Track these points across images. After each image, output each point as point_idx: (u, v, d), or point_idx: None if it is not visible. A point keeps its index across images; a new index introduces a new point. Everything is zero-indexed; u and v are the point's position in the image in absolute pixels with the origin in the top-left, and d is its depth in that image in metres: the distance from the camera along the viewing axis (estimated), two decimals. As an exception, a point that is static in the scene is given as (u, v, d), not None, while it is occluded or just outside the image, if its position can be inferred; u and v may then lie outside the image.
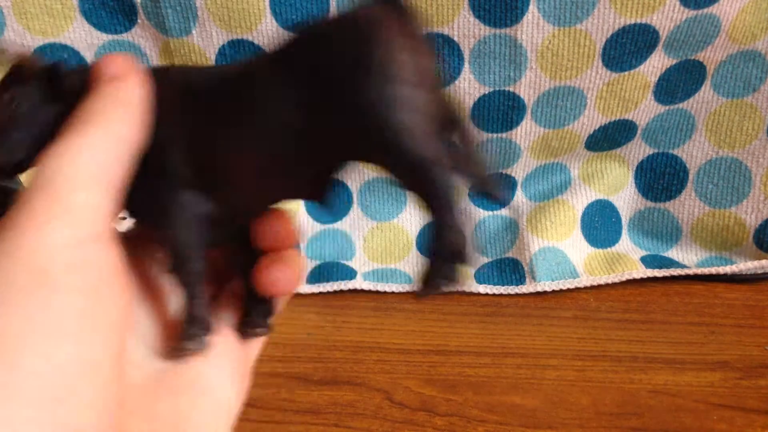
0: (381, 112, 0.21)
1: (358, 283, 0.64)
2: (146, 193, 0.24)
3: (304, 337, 0.56)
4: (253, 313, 0.29)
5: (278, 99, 0.23)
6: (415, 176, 0.22)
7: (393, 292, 0.63)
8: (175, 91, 0.25)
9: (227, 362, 0.28)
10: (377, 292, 0.63)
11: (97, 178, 0.21)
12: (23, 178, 0.25)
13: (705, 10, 0.56)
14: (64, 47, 0.59)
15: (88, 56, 0.60)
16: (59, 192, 0.20)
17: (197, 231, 0.25)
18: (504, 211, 0.68)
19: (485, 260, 0.67)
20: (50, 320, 0.18)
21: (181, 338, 0.26)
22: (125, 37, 0.59)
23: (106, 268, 0.21)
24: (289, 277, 0.27)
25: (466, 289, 0.62)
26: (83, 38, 0.59)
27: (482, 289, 0.63)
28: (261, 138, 0.23)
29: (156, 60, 0.60)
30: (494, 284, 0.63)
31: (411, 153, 0.21)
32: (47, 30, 0.58)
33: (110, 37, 0.59)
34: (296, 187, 0.26)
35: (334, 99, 0.22)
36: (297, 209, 0.68)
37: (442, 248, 0.22)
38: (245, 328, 0.29)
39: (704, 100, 0.64)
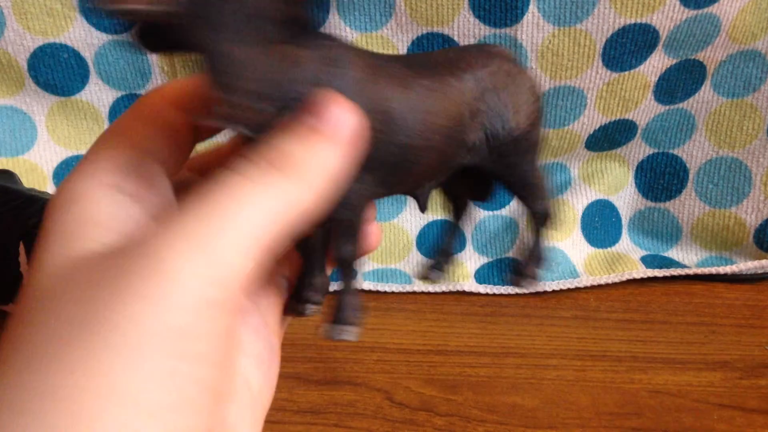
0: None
1: (358, 283, 0.64)
2: None
3: (304, 337, 0.56)
4: (309, 291, 0.30)
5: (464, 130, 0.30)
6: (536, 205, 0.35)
7: (393, 292, 0.63)
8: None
9: (262, 353, 0.27)
10: (377, 292, 0.63)
11: (258, 242, 0.18)
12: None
13: (705, 10, 0.56)
14: (64, 47, 0.59)
15: (88, 56, 0.60)
16: (208, 245, 0.17)
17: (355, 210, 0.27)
18: (504, 211, 0.68)
19: (485, 260, 0.67)
20: (171, 387, 0.16)
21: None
22: (125, 36, 0.59)
23: (230, 337, 0.19)
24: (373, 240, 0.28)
25: (467, 288, 0.62)
26: (83, 38, 0.59)
27: (482, 289, 0.63)
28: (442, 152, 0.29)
29: (156, 60, 0.60)
30: (494, 284, 0.63)
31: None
32: (47, 30, 0.58)
33: (110, 37, 0.59)
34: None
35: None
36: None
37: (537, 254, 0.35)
38: (300, 305, 0.29)
39: (704, 99, 0.64)
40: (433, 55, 0.33)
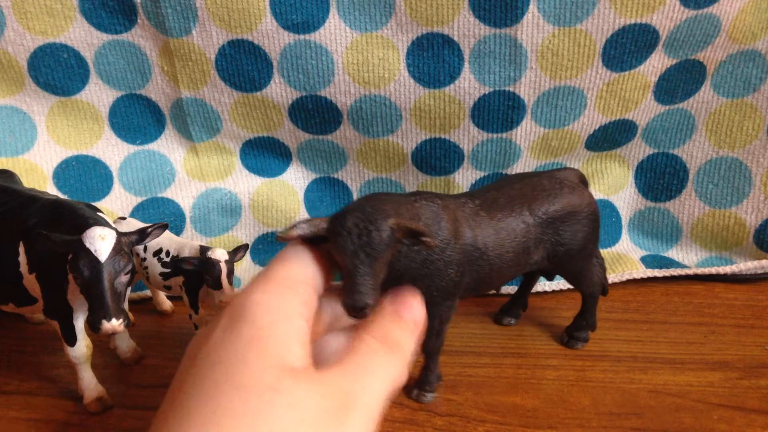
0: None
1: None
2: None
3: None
4: None
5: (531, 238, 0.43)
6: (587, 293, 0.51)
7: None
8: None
9: None
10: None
11: (383, 398, 0.27)
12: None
13: (705, 10, 0.56)
14: (64, 47, 0.59)
15: (88, 56, 0.60)
16: (358, 397, 0.26)
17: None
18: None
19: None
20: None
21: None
22: (125, 37, 0.59)
23: None
24: None
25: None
26: (83, 38, 0.59)
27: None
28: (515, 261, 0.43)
29: (156, 60, 0.60)
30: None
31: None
32: (47, 30, 0.58)
33: (110, 37, 0.59)
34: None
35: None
36: (298, 209, 0.68)
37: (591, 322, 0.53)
38: None
39: (704, 100, 0.64)
40: (510, 189, 0.44)
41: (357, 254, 0.31)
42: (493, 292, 0.57)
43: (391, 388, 0.28)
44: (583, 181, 0.49)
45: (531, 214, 0.43)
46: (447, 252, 0.37)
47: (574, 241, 0.44)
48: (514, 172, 0.67)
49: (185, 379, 0.26)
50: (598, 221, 0.46)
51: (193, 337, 0.29)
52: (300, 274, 0.30)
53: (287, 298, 0.28)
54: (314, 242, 0.31)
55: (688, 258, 0.68)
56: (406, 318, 0.31)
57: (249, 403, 0.23)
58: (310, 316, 0.29)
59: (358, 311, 0.30)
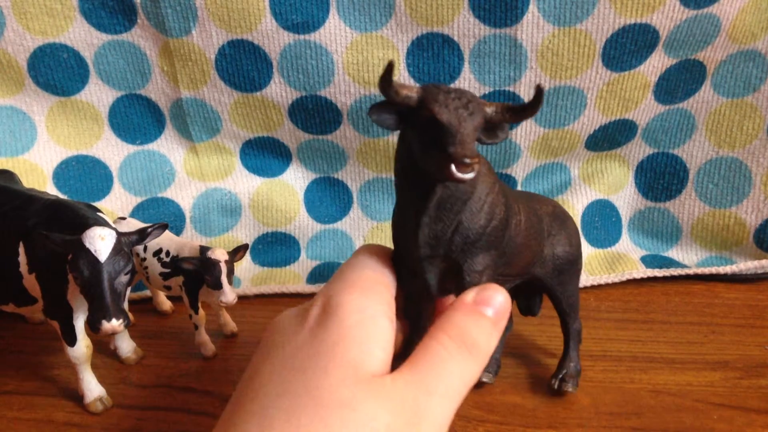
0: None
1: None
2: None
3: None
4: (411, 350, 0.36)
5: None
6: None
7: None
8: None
9: None
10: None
11: (457, 400, 0.27)
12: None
13: (705, 10, 0.56)
14: (64, 47, 0.59)
15: (88, 56, 0.60)
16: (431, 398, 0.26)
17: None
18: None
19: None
20: None
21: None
22: (125, 37, 0.59)
23: None
24: None
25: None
26: (83, 38, 0.59)
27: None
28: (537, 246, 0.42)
29: (156, 60, 0.60)
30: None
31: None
32: (47, 30, 0.58)
33: (110, 37, 0.59)
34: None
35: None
36: (298, 209, 0.68)
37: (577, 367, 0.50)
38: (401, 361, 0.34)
39: (704, 99, 0.64)
40: (524, 194, 0.45)
41: (460, 111, 0.29)
42: None
43: (464, 393, 0.27)
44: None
45: (537, 205, 0.43)
46: (495, 189, 0.34)
47: (570, 246, 0.45)
48: (514, 172, 0.67)
49: (262, 371, 0.27)
50: (580, 244, 0.47)
51: (275, 324, 0.30)
52: (378, 277, 0.31)
53: (371, 298, 0.29)
54: (395, 112, 0.30)
55: (688, 258, 0.68)
56: (487, 314, 0.29)
57: (326, 422, 0.24)
58: (392, 316, 0.29)
59: (467, 165, 0.27)
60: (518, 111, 0.30)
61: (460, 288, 0.34)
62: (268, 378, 0.27)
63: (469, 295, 0.30)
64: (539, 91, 0.29)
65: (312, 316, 0.29)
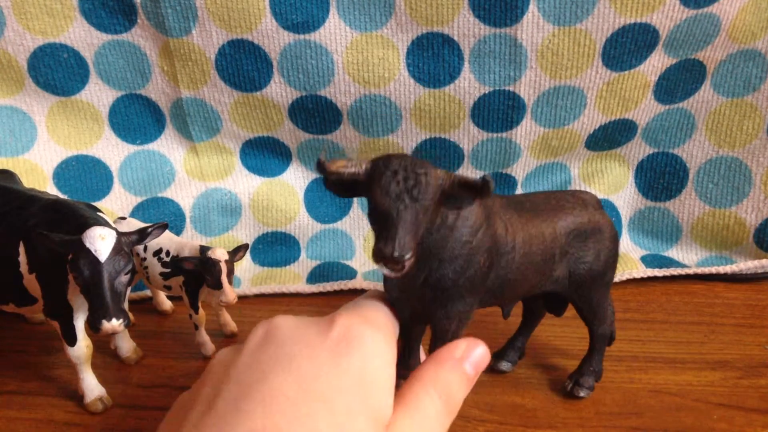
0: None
1: (359, 282, 0.64)
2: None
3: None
4: (403, 369, 0.36)
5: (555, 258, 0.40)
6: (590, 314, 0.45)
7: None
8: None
9: None
10: (377, 291, 0.63)
11: None
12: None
13: (705, 10, 0.56)
14: (64, 47, 0.59)
15: (88, 56, 0.60)
16: None
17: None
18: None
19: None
20: None
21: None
22: (125, 37, 0.59)
23: None
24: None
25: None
26: (83, 38, 0.59)
27: (482, 288, 0.63)
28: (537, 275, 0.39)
29: (156, 60, 0.60)
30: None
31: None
32: (47, 30, 0.58)
33: (110, 37, 0.59)
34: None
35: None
36: (298, 209, 0.68)
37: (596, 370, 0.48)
38: (397, 379, 0.33)
39: (704, 99, 0.64)
40: (537, 199, 0.41)
41: (401, 197, 0.27)
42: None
43: None
44: (600, 206, 0.46)
45: (558, 221, 0.40)
46: (478, 236, 0.33)
47: (597, 261, 0.42)
48: (514, 172, 0.67)
49: (276, 383, 0.25)
50: (618, 247, 0.44)
51: (279, 328, 0.28)
52: (388, 322, 0.31)
53: (389, 343, 0.29)
54: (348, 187, 0.29)
55: (688, 257, 0.68)
56: (468, 371, 0.31)
57: None
58: (395, 363, 0.30)
59: (396, 262, 0.27)
60: (468, 188, 0.28)
61: (434, 330, 0.36)
62: (286, 388, 0.25)
63: (459, 350, 0.31)
64: (486, 180, 0.27)
65: (332, 338, 0.28)
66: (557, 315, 0.49)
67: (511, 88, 0.60)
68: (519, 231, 0.37)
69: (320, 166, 0.29)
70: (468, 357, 0.31)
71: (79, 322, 0.46)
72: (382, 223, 0.27)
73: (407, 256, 0.27)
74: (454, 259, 0.32)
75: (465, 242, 0.32)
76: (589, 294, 0.44)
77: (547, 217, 0.40)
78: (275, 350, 0.27)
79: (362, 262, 0.68)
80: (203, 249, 0.50)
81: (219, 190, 0.67)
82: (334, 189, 0.30)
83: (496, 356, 0.51)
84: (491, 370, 0.50)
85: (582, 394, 0.47)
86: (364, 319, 0.29)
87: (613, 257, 0.44)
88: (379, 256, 0.27)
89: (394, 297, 0.34)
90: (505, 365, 0.50)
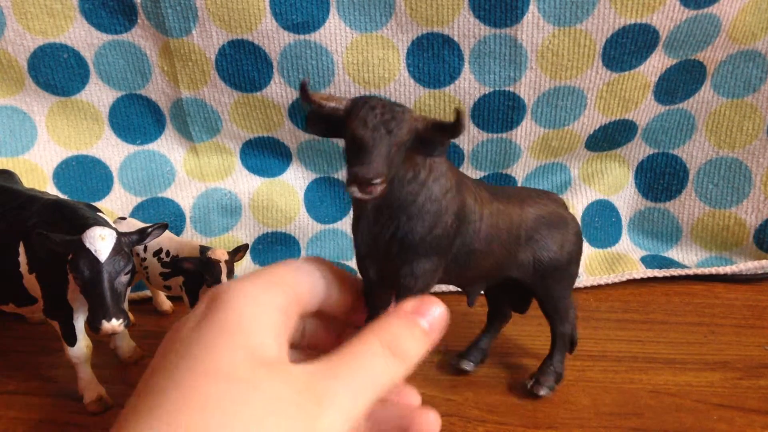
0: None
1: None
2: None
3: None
4: None
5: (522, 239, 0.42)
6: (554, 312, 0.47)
7: (393, 292, 0.63)
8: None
9: None
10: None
11: (371, 398, 0.26)
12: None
13: (705, 10, 0.56)
14: (64, 47, 0.59)
15: (88, 56, 0.60)
16: (349, 392, 0.25)
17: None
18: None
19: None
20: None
21: None
22: (125, 37, 0.59)
23: None
24: None
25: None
26: (83, 38, 0.59)
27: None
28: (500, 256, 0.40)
29: (156, 60, 0.60)
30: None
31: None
32: (47, 30, 0.58)
33: (110, 37, 0.59)
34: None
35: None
36: (298, 209, 0.68)
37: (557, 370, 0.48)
38: None
39: (704, 100, 0.64)
40: (508, 190, 0.43)
41: (378, 128, 0.28)
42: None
43: (379, 392, 0.26)
44: (566, 208, 0.47)
45: (526, 206, 0.42)
46: (447, 197, 0.33)
47: (561, 251, 0.43)
48: (514, 172, 0.67)
49: (157, 368, 0.25)
50: (581, 244, 0.46)
51: (171, 326, 0.28)
52: (294, 280, 0.29)
53: (269, 291, 0.27)
54: (328, 124, 0.30)
55: (688, 258, 0.68)
56: (422, 325, 0.29)
57: (219, 394, 0.23)
58: (292, 316, 0.28)
59: (366, 182, 0.27)
60: (442, 129, 0.29)
61: (398, 290, 0.35)
62: (160, 364, 0.25)
63: (409, 305, 0.29)
64: (459, 114, 0.28)
65: (203, 302, 0.27)
66: (521, 312, 0.51)
67: (511, 89, 0.60)
68: (487, 205, 0.38)
69: (303, 89, 0.29)
70: (422, 312, 0.29)
71: (79, 322, 0.46)
72: (356, 152, 0.29)
73: (379, 180, 0.27)
74: (423, 215, 0.33)
75: (435, 199, 0.33)
76: (552, 286, 0.45)
77: (517, 202, 0.42)
78: (162, 345, 0.27)
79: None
80: (203, 249, 0.50)
81: (219, 190, 0.67)
82: (313, 126, 0.31)
83: (460, 355, 0.52)
84: (454, 369, 0.51)
85: (542, 392, 0.47)
86: (242, 279, 0.28)
87: (576, 252, 0.45)
88: (352, 178, 0.27)
89: (362, 254, 0.34)
90: (467, 365, 0.51)
